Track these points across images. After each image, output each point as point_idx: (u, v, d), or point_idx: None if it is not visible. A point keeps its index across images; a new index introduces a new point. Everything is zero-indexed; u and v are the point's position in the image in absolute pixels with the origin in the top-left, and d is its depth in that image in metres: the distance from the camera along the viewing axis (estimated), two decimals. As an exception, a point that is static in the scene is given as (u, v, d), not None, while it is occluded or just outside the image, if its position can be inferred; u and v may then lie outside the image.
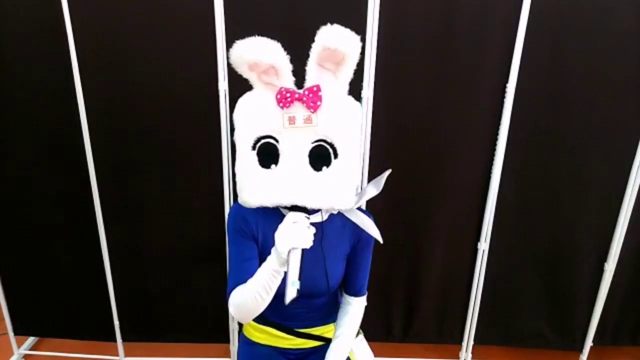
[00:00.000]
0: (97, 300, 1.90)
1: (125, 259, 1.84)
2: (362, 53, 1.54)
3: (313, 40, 0.97)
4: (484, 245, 1.81)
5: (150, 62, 1.57)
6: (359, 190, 1.18)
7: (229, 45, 1.04)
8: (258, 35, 0.98)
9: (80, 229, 1.79)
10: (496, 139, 1.67)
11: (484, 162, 1.71)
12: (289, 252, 0.95)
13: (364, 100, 1.58)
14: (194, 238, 1.80)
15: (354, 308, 1.25)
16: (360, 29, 1.50)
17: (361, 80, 1.56)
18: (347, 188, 1.03)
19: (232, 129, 1.05)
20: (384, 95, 1.60)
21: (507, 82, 1.59)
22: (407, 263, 1.86)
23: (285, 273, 0.96)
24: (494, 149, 1.68)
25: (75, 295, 1.91)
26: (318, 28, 0.96)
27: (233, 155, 1.07)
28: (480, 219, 1.78)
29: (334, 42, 0.92)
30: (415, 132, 1.67)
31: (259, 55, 0.95)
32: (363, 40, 1.53)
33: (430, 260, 1.84)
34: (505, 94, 1.60)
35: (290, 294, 0.94)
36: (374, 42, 1.53)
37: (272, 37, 0.98)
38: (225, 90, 1.56)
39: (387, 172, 1.13)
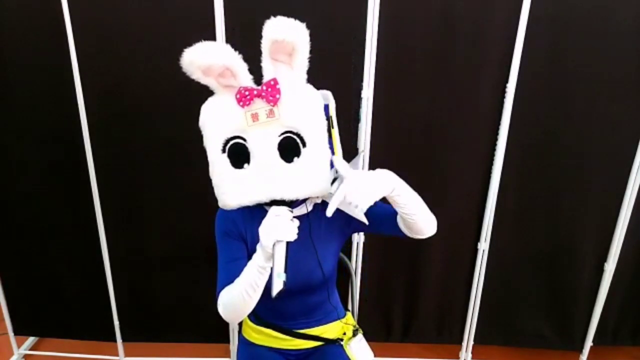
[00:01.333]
0: (97, 300, 1.90)
1: (125, 259, 1.84)
2: (362, 53, 1.56)
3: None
4: (484, 245, 1.81)
5: (150, 63, 1.57)
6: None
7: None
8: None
9: (80, 229, 1.79)
10: (496, 139, 1.67)
11: (484, 162, 1.71)
12: (273, 245, 0.95)
13: (364, 100, 1.58)
14: (194, 238, 1.79)
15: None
16: (360, 29, 1.51)
17: (361, 80, 1.56)
18: (321, 174, 1.03)
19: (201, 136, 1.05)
20: (384, 95, 1.60)
21: (507, 82, 1.59)
22: (407, 263, 1.86)
23: (272, 269, 0.96)
24: (494, 149, 1.68)
25: (75, 295, 1.91)
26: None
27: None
28: (480, 219, 1.78)
29: (280, 34, 0.93)
30: (415, 132, 1.67)
31: (209, 59, 0.96)
32: (363, 40, 1.55)
33: (430, 260, 1.84)
34: (505, 94, 1.60)
35: (277, 286, 0.94)
36: (374, 42, 1.53)
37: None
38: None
39: (362, 153, 1.12)
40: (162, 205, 1.75)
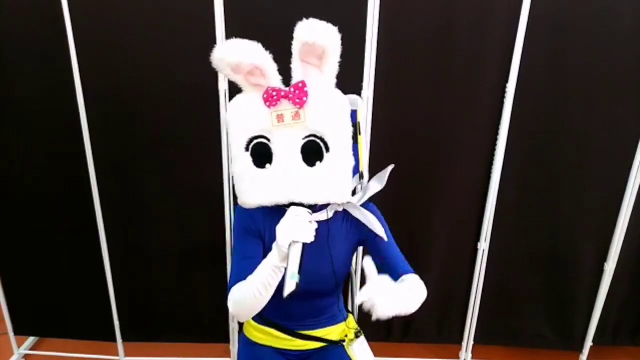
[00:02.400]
0: (97, 300, 1.89)
1: (125, 259, 1.84)
2: (362, 53, 1.56)
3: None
4: (484, 245, 1.81)
5: (150, 62, 1.57)
6: (362, 186, 1.18)
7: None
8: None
9: (80, 228, 1.79)
10: (496, 139, 1.67)
11: (484, 162, 1.71)
12: (289, 245, 0.95)
13: (364, 100, 1.58)
14: (194, 238, 1.80)
15: (411, 279, 1.09)
16: (360, 29, 1.51)
17: (361, 80, 1.56)
18: (342, 181, 1.03)
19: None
20: (384, 95, 1.60)
21: (507, 82, 1.59)
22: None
23: (286, 269, 0.95)
24: (494, 149, 1.68)
25: (75, 295, 1.91)
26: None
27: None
28: (480, 219, 1.78)
29: (312, 37, 0.93)
30: (415, 132, 1.67)
31: (240, 57, 0.96)
32: (363, 40, 1.55)
33: (430, 260, 1.84)
34: (505, 94, 1.60)
35: (289, 287, 0.93)
36: (374, 42, 1.53)
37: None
38: (225, 91, 1.56)
39: (390, 167, 1.13)
40: (162, 205, 1.75)
